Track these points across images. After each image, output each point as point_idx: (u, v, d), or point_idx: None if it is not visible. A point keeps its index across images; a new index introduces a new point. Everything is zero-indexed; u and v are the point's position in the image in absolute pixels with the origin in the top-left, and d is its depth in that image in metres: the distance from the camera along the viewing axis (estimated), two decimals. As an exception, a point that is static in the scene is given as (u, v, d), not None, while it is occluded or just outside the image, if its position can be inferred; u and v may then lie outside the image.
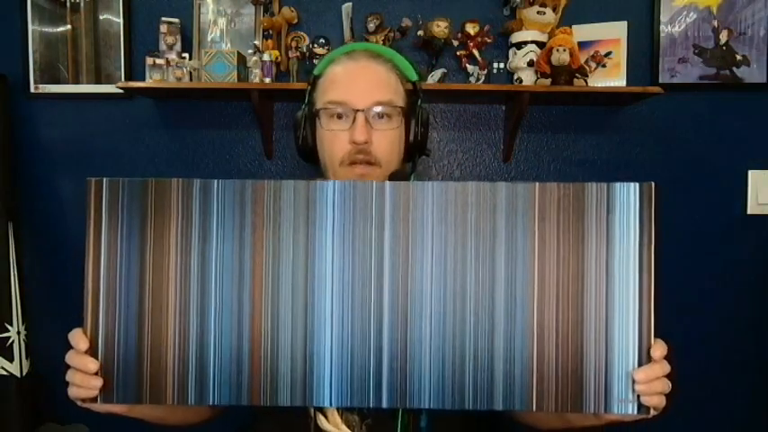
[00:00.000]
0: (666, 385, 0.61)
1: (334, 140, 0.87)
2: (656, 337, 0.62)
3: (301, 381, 0.61)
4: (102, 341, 0.62)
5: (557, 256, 0.61)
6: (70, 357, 0.63)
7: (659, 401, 0.61)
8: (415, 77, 0.94)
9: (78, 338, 0.62)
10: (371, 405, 0.61)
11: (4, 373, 1.60)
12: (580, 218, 0.61)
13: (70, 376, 0.63)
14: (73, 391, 0.63)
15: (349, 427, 0.80)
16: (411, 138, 0.92)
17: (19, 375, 1.60)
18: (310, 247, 0.62)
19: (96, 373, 0.62)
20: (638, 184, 0.61)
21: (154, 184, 0.62)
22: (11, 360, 1.60)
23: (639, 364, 0.61)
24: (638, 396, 0.61)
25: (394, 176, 0.89)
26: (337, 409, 0.80)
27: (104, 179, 0.62)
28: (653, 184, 0.61)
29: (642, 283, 0.61)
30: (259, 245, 0.62)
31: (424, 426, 0.79)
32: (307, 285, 0.62)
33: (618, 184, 0.61)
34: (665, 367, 0.62)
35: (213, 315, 0.62)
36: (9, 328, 1.60)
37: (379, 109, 0.86)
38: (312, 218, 0.62)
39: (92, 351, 0.62)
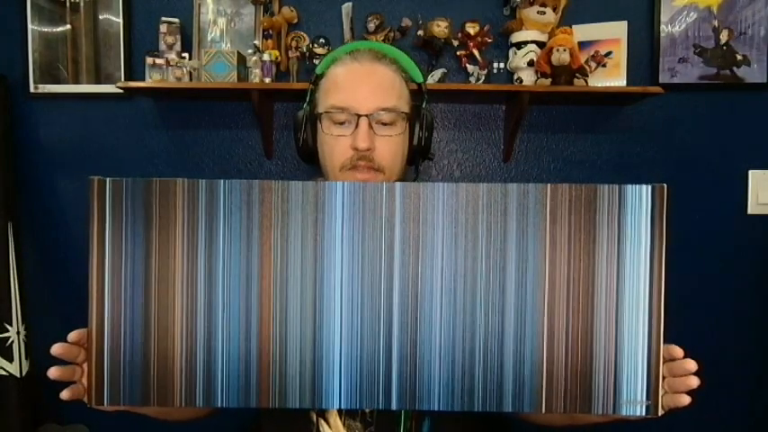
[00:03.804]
0: (696, 381, 0.61)
1: (336, 145, 0.85)
2: (664, 339, 0.62)
3: (310, 383, 0.61)
4: (108, 343, 0.61)
5: (567, 258, 0.61)
6: (53, 347, 0.61)
7: (684, 399, 0.61)
8: (420, 79, 0.92)
9: (72, 333, 0.62)
10: (381, 407, 0.61)
11: (4, 373, 1.59)
12: (591, 219, 0.61)
13: (53, 371, 0.61)
14: (65, 394, 0.61)
15: None
16: (415, 142, 0.90)
17: (18, 375, 1.60)
18: (319, 248, 0.61)
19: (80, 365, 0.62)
20: (650, 186, 0.61)
21: (158, 183, 0.61)
22: (10, 360, 1.60)
23: (648, 366, 0.61)
24: (662, 394, 0.61)
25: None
26: (340, 415, 0.80)
27: (107, 178, 0.61)
28: (665, 186, 0.60)
29: (653, 285, 0.61)
30: (267, 246, 0.61)
31: (427, 431, 0.79)
32: (315, 287, 0.61)
33: (630, 186, 0.61)
34: (694, 364, 0.62)
35: (221, 316, 0.61)
36: (9, 328, 1.60)
37: (382, 115, 0.84)
38: (321, 219, 0.61)
39: (97, 350, 0.61)
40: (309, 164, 0.95)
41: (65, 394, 0.61)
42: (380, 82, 0.86)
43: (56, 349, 0.61)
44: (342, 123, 0.85)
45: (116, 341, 0.61)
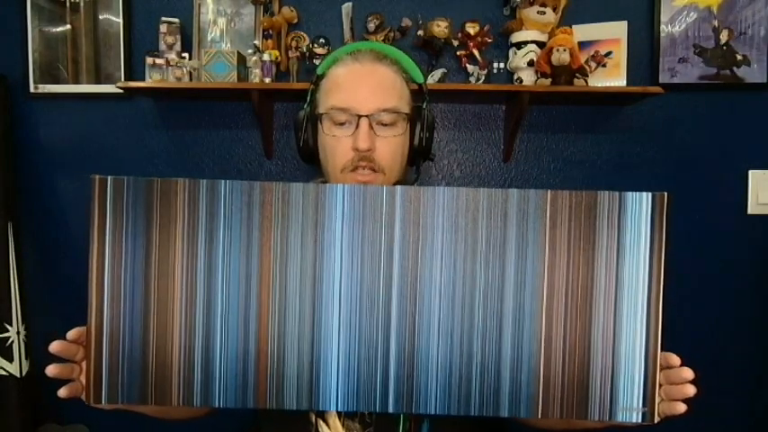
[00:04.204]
0: (692, 390, 0.61)
1: (337, 146, 0.84)
2: (662, 347, 0.62)
3: (308, 384, 0.61)
4: (107, 341, 0.61)
5: (566, 264, 0.61)
6: (51, 345, 0.61)
7: (681, 407, 0.61)
8: (421, 79, 0.92)
9: (71, 331, 0.62)
10: (378, 410, 0.61)
11: (4, 373, 1.60)
12: (591, 226, 0.61)
13: (51, 369, 0.61)
14: (63, 392, 0.62)
15: None
16: (416, 143, 0.89)
17: (18, 375, 1.60)
18: (318, 250, 0.61)
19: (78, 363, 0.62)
20: (650, 194, 0.60)
21: (159, 183, 0.61)
22: (10, 360, 1.60)
23: (645, 373, 0.61)
24: (658, 401, 0.61)
25: (398, 183, 0.88)
26: (339, 416, 0.80)
27: (109, 177, 0.61)
28: (665, 194, 0.60)
29: (651, 292, 0.61)
30: (266, 247, 0.61)
31: None
32: (314, 289, 0.61)
33: (630, 194, 0.61)
34: (690, 372, 0.62)
35: (219, 317, 0.61)
36: (9, 328, 1.60)
37: (383, 116, 0.84)
38: (321, 221, 0.61)
39: (95, 348, 0.61)
40: (310, 164, 0.95)
41: (62, 392, 0.61)
42: (381, 82, 0.86)
43: (54, 347, 0.61)
44: (342, 124, 0.84)
45: (115, 340, 0.61)
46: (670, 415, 0.62)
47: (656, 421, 0.62)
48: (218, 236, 0.61)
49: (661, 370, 0.62)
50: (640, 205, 0.61)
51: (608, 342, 0.61)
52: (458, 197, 0.61)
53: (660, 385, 0.62)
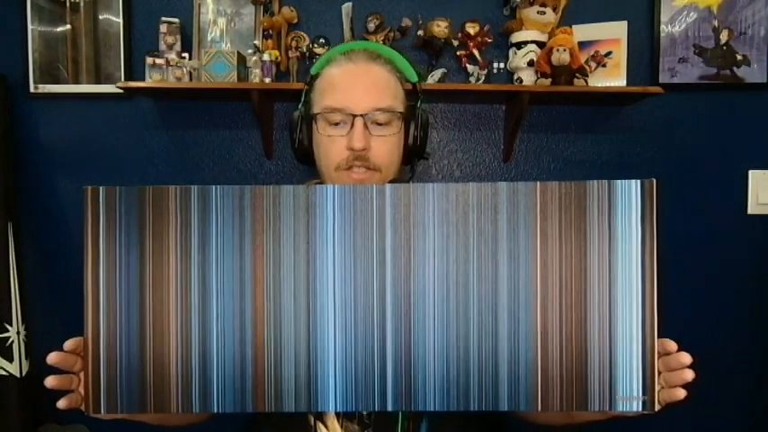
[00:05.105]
0: (691, 375, 0.61)
1: (332, 146, 0.85)
2: (659, 334, 0.62)
3: (306, 386, 0.61)
4: (104, 351, 0.61)
5: (559, 255, 0.61)
6: (49, 356, 0.61)
7: (680, 393, 0.61)
8: (415, 78, 0.92)
9: (68, 342, 0.62)
10: (376, 409, 0.61)
11: (4, 373, 1.59)
12: (582, 216, 0.61)
13: (50, 381, 0.61)
14: (62, 403, 0.62)
15: None
16: (410, 142, 0.90)
17: (18, 375, 1.60)
18: (311, 251, 0.61)
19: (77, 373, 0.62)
20: (639, 181, 0.61)
21: (151, 191, 0.61)
22: (10, 360, 1.60)
23: (644, 361, 0.61)
24: (658, 389, 0.61)
25: (393, 182, 0.88)
26: (337, 417, 0.80)
27: (101, 187, 0.61)
28: (654, 180, 0.61)
29: (645, 279, 0.61)
30: (259, 251, 0.61)
31: None
32: (308, 290, 0.61)
33: (619, 182, 0.61)
34: (688, 357, 0.61)
35: (215, 322, 0.62)
36: (9, 328, 1.60)
37: (378, 115, 0.84)
38: (312, 223, 0.61)
39: (93, 359, 0.62)
40: (305, 164, 0.95)
41: (62, 403, 0.62)
42: (375, 82, 0.86)
43: (52, 358, 0.61)
44: (337, 124, 0.85)
45: (112, 349, 0.61)
46: (670, 402, 0.61)
47: (656, 409, 0.61)
48: (211, 241, 0.61)
49: (659, 357, 0.62)
50: (630, 193, 0.61)
51: (604, 331, 0.61)
52: (447, 193, 0.61)
53: (659, 372, 0.62)
